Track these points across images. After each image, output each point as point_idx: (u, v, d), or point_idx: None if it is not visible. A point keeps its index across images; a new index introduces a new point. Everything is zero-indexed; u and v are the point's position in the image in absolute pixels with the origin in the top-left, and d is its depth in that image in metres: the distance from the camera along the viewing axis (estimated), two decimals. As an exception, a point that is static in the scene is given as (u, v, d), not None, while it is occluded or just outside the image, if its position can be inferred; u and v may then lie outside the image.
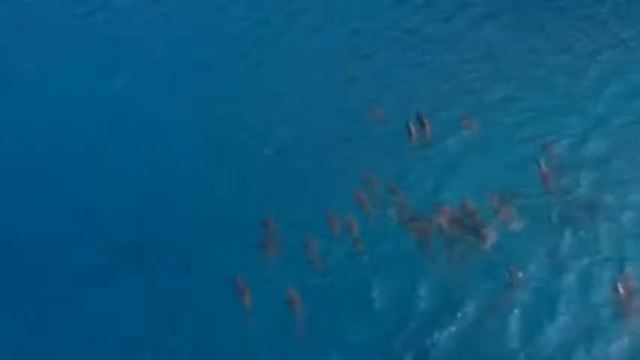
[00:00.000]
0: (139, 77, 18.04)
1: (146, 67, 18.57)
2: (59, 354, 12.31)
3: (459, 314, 12.21)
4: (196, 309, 12.78)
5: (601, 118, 15.69)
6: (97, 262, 13.63)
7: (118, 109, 17.24)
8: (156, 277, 13.32)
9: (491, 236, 13.12)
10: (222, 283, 12.76)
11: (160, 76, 18.17)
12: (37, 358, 12.37)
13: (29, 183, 15.49)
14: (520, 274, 12.54)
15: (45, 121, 17.11)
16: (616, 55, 17.60)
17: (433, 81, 17.31)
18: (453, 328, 12.04)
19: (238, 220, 14.09)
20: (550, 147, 14.82)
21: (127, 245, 13.80)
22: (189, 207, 14.66)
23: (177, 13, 20.63)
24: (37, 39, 19.88)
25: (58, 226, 14.42)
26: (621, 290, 12.13)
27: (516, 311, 12.15)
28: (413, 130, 15.30)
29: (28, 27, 20.43)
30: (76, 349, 12.30)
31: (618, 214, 13.57)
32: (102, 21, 20.55)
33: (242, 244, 13.45)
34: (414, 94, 16.73)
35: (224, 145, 15.94)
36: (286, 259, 13.10)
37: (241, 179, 15.09)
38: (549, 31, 18.70)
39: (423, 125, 15.33)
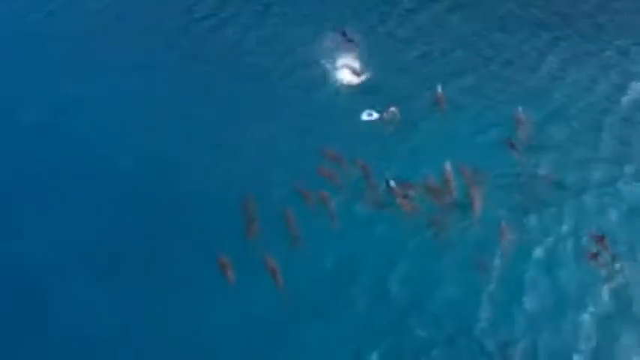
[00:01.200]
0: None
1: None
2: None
3: (436, 286, 12.83)
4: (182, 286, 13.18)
5: (560, 105, 16.62)
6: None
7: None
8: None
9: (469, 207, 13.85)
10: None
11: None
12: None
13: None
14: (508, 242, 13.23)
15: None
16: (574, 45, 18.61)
17: (401, 69, 18.06)
18: (433, 304, 12.65)
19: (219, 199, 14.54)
20: (519, 115, 15.72)
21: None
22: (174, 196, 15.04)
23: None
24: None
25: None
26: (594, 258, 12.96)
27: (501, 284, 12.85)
28: (385, 116, 16.15)
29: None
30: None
31: (578, 188, 14.55)
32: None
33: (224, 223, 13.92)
34: (381, 82, 17.47)
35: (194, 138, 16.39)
36: (267, 234, 13.57)
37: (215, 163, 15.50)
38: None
39: (394, 114, 16.15)
